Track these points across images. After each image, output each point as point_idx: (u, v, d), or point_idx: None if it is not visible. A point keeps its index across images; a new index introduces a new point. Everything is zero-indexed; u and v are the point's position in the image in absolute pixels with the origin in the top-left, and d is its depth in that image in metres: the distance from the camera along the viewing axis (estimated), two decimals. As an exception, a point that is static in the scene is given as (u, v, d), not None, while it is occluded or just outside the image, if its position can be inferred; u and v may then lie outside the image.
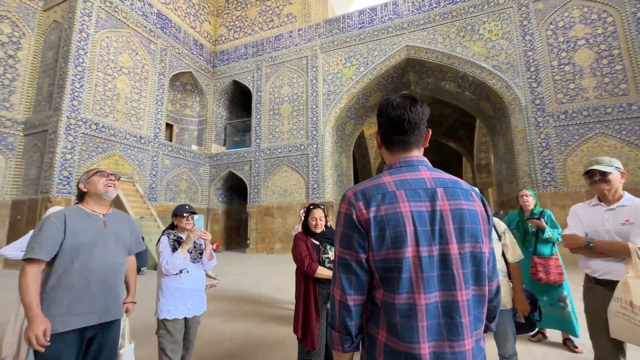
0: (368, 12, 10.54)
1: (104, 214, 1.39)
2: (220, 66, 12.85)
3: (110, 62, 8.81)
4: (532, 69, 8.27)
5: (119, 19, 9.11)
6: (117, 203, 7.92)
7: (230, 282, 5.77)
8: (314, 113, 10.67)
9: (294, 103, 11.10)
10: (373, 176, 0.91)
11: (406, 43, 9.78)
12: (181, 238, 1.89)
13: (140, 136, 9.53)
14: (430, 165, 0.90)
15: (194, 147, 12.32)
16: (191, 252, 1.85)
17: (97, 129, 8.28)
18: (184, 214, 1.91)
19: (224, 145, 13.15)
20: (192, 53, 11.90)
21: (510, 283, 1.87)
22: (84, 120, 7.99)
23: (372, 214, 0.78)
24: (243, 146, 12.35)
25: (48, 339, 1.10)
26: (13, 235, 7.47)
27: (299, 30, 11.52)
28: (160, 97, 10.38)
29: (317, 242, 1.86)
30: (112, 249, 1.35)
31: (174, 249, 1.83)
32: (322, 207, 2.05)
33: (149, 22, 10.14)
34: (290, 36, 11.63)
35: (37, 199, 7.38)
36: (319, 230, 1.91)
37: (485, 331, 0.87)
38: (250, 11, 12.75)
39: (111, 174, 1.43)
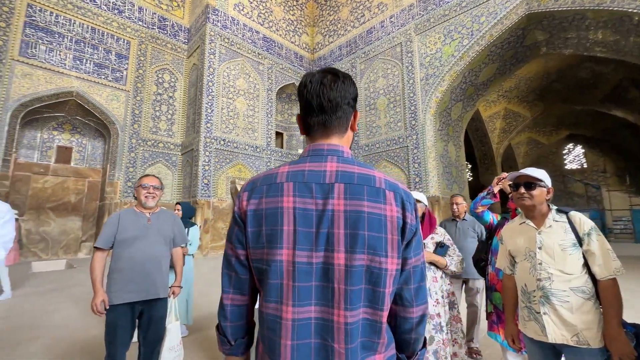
0: (470, -26, 9.02)
1: (150, 213, 1.73)
2: (318, 72, 13.61)
3: (231, 87, 10.68)
4: None
5: (235, 50, 10.94)
6: (241, 203, 9.53)
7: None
8: (412, 102, 9.92)
9: (390, 95, 10.62)
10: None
11: (525, -5, 7.85)
12: None
13: (255, 146, 11.17)
14: (348, 155, 0.73)
15: (300, 151, 13.50)
16: None
17: (224, 143, 10.20)
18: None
19: (327, 146, 13.85)
20: (293, 65, 13.09)
21: (600, 309, 1.26)
22: (215, 138, 9.98)
23: (251, 207, 0.69)
24: (343, 145, 12.69)
25: (106, 308, 1.49)
26: (179, 229, 10.07)
27: (390, 18, 10.97)
28: (270, 110, 11.86)
29: None
30: (152, 242, 1.66)
31: None
32: None
33: (257, 46, 11.75)
34: (382, 26, 11.21)
35: (190, 202, 9.70)
36: None
37: None
38: (342, 13, 13.00)
39: (152, 187, 1.78)
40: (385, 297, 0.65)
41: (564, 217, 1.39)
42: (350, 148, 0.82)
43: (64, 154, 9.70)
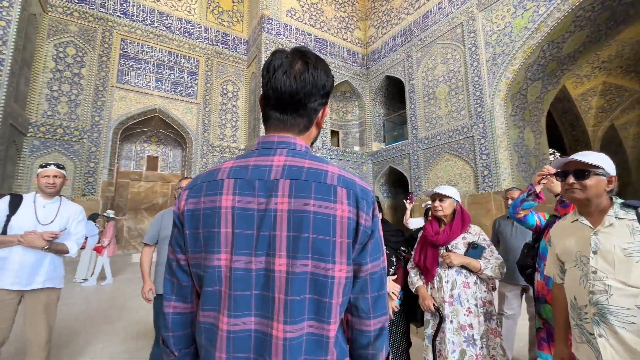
0: None
1: None
2: (372, 66, 13.28)
3: (286, 91, 11.13)
4: None
5: (288, 55, 11.35)
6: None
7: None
8: (477, 86, 8.94)
9: (451, 82, 9.76)
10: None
11: (623, -59, 6.38)
12: None
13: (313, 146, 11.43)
14: (301, 148, 0.65)
15: (357, 148, 13.35)
16: None
17: (282, 145, 10.70)
18: None
19: (384, 141, 13.43)
20: (346, 63, 13.01)
21: None
22: (273, 140, 10.52)
23: (189, 207, 0.63)
24: (401, 139, 12.13)
25: (153, 296, 1.70)
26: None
27: (448, -3, 10.06)
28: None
29: None
30: None
31: None
32: (376, 199, 1.84)
33: (311, 49, 11.98)
34: (439, 8, 10.36)
35: (253, 201, 10.44)
36: None
37: None
38: (394, 1, 12.42)
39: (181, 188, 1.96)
40: (332, 308, 0.57)
41: (632, 214, 1.06)
42: (311, 145, 0.74)
43: (152, 162, 11.38)
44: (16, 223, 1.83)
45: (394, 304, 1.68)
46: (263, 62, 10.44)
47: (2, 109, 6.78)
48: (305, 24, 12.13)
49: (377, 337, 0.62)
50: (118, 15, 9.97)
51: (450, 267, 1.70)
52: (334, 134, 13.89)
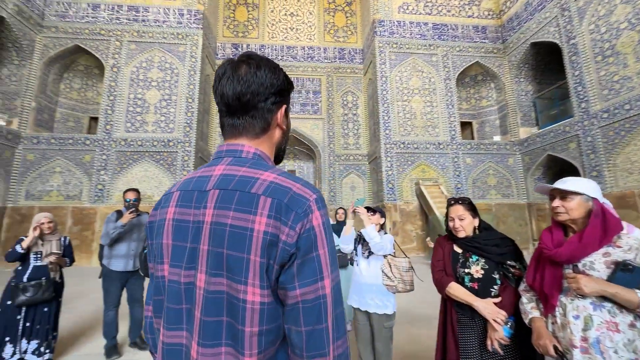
0: None
1: None
2: (511, 37, 10.97)
3: (404, 90, 10.67)
4: None
5: (404, 52, 10.89)
6: (426, 204, 9.14)
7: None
8: (698, 19, 5.89)
9: (643, 24, 6.83)
10: None
11: None
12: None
13: (438, 143, 10.43)
14: (248, 155, 0.61)
15: (497, 138, 11.22)
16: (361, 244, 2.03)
17: (404, 146, 10.26)
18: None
19: (537, 125, 10.73)
20: (473, 42, 11.29)
21: None
22: (395, 142, 10.23)
23: (150, 219, 0.66)
24: (562, 119, 9.37)
25: None
26: (373, 231, 11.01)
27: None
28: (450, 100, 10.77)
29: (459, 250, 1.27)
30: None
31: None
32: (467, 201, 1.37)
33: (427, 38, 11.11)
34: None
35: (378, 206, 10.41)
36: (460, 235, 1.34)
37: None
38: (536, -52, 9.91)
39: None
40: (246, 338, 0.50)
41: None
42: (282, 150, 0.70)
43: (291, 175, 13.23)
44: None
45: (499, 334, 1.25)
46: (378, 65, 10.46)
47: (195, 146, 9.53)
48: (420, 14, 11.35)
49: None
50: (258, 59, 12.27)
51: (581, 296, 1.14)
52: (465, 125, 12.20)
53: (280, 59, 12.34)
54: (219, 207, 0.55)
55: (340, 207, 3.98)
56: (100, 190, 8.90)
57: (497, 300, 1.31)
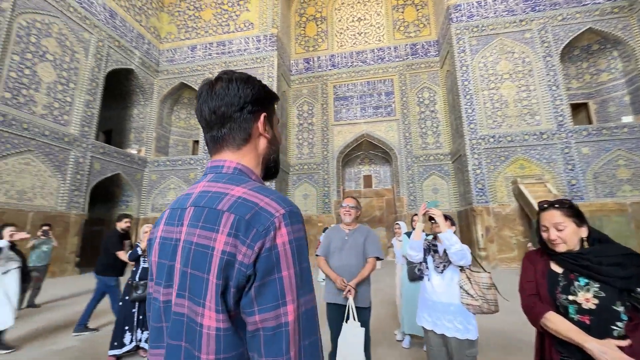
0: None
1: (349, 229, 1.93)
2: (639, -12, 8.59)
3: (491, 77, 9.40)
4: None
5: (487, 35, 9.64)
6: (528, 206, 7.74)
7: None
8: None
9: None
10: None
11: None
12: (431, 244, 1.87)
13: (539, 132, 8.79)
14: (228, 170, 0.60)
15: (627, 119, 8.80)
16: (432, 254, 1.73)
17: (494, 140, 8.98)
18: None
19: (693, 95, 8.04)
20: (583, 5, 9.23)
21: None
22: (482, 137, 9.05)
23: (149, 236, 0.68)
24: None
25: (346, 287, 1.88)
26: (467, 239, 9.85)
27: None
28: (554, 80, 9.00)
29: (559, 270, 0.91)
30: (347, 254, 1.83)
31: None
32: (567, 204, 0.98)
33: (516, 14, 9.59)
34: None
35: (466, 209, 9.30)
36: (560, 248, 0.97)
37: None
38: None
39: (349, 206, 1.98)
40: None
41: None
42: (271, 160, 0.68)
43: (367, 180, 13.01)
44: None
45: None
46: (457, 55, 9.54)
47: (275, 159, 10.29)
48: (505, -13, 9.91)
49: None
50: (329, 69, 12.62)
51: None
52: (578, 108, 10.00)
53: (350, 65, 12.42)
54: (190, 224, 0.55)
55: (416, 214, 3.65)
56: (202, 202, 10.39)
57: (624, 343, 0.94)
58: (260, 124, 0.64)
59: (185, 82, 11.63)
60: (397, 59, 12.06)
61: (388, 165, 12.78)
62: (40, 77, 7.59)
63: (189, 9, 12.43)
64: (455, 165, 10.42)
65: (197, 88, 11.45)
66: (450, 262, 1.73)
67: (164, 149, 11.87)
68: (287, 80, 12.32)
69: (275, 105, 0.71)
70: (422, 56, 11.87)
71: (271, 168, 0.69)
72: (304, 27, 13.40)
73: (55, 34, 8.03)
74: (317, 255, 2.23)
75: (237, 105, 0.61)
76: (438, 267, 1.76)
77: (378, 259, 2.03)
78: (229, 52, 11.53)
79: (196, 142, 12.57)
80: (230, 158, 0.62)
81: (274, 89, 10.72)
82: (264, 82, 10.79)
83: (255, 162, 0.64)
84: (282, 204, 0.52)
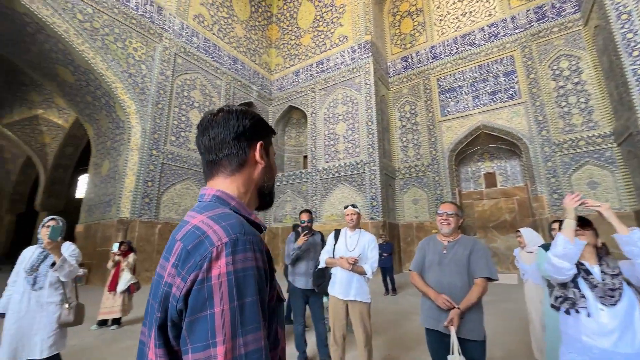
0: None
1: (448, 241, 1.54)
2: None
3: (676, 17, 6.60)
4: None
5: (662, -39, 6.86)
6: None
7: None
8: None
9: None
10: None
11: None
12: None
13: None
14: (208, 198, 0.61)
15: None
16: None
17: (694, 106, 6.17)
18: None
19: None
20: None
21: None
22: (670, 104, 6.39)
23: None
24: None
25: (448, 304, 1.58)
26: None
27: None
28: None
29: None
30: (447, 271, 1.43)
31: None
32: None
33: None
34: None
35: None
36: None
37: None
38: None
39: (447, 213, 1.60)
40: None
41: None
42: (265, 185, 0.68)
43: (490, 179, 11.13)
44: (337, 250, 2.60)
45: None
46: (607, 1, 7.18)
47: (379, 164, 10.07)
48: None
49: None
50: (430, 62, 11.62)
51: None
52: None
53: (455, 53, 11.10)
54: (163, 257, 0.55)
55: (555, 220, 2.60)
56: (314, 212, 11.10)
57: None
58: (256, 152, 0.66)
59: (292, 104, 12.91)
60: (517, 30, 10.02)
61: (516, 158, 10.60)
62: (191, 121, 9.89)
63: (291, 39, 13.87)
64: (625, 148, 7.69)
65: (302, 109, 12.54)
66: (628, 285, 1.13)
67: (280, 167, 13.41)
68: (385, 83, 12.01)
69: (272, 138, 0.73)
70: (553, 18, 9.47)
71: (265, 196, 0.69)
72: (398, 26, 12.88)
73: (199, 85, 10.35)
74: (409, 270, 1.96)
75: (235, 133, 0.63)
76: (603, 298, 1.17)
77: (490, 279, 1.55)
78: (327, 69, 12.18)
79: (305, 157, 13.67)
80: (220, 185, 0.63)
81: (372, 95, 10.61)
82: (361, 90, 10.92)
83: (246, 189, 0.65)
84: (229, 232, 0.48)
